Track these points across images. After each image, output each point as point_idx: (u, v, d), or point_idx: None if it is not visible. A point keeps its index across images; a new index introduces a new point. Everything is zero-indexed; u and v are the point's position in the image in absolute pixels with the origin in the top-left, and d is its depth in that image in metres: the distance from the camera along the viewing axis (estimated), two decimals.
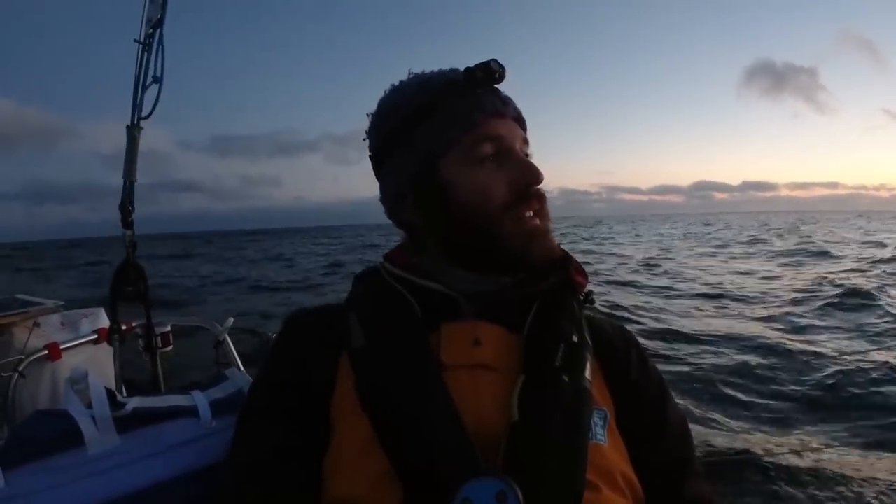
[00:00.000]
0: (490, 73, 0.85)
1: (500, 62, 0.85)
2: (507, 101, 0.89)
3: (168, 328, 2.00)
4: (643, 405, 0.88)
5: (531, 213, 0.84)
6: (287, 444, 0.78)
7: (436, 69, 0.92)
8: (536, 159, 0.87)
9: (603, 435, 0.77)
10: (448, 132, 0.84)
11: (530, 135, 0.91)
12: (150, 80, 1.57)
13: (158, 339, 1.94)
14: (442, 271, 0.86)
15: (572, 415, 0.74)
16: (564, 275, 0.87)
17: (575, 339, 0.81)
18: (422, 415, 0.71)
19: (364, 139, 0.94)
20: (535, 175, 0.84)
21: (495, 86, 0.88)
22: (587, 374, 0.79)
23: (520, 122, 0.90)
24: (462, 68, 0.87)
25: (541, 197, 0.86)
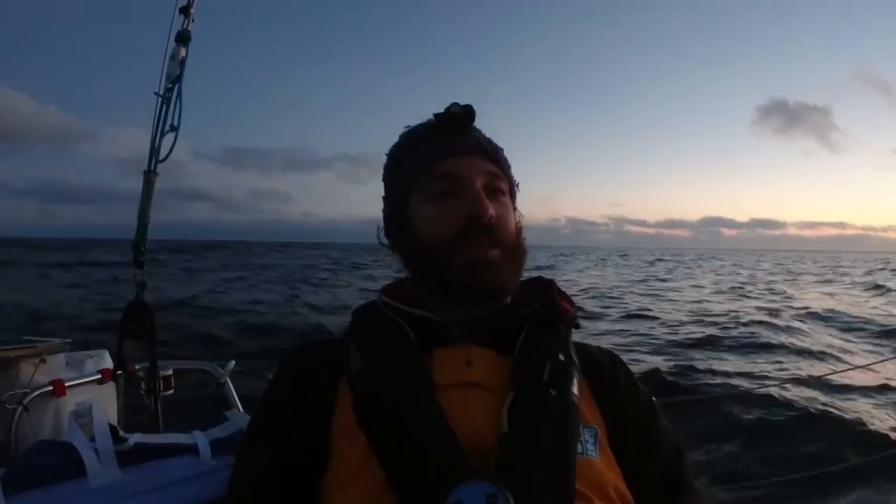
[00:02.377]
0: (450, 118, 0.94)
1: (463, 104, 0.94)
2: (467, 139, 0.94)
3: (170, 371, 2.04)
4: (634, 422, 0.91)
5: (484, 245, 0.88)
6: (288, 464, 0.82)
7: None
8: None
9: (594, 451, 0.81)
10: (411, 173, 0.94)
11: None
12: (167, 128, 1.68)
13: (161, 381, 1.99)
14: (433, 299, 0.92)
15: (560, 426, 0.78)
16: (549, 300, 0.93)
17: (561, 357, 0.86)
18: (415, 428, 0.75)
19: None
20: (478, 208, 0.87)
21: (463, 126, 0.95)
22: (574, 389, 0.83)
23: (488, 156, 0.95)
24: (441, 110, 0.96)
25: (491, 229, 0.88)
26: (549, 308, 0.93)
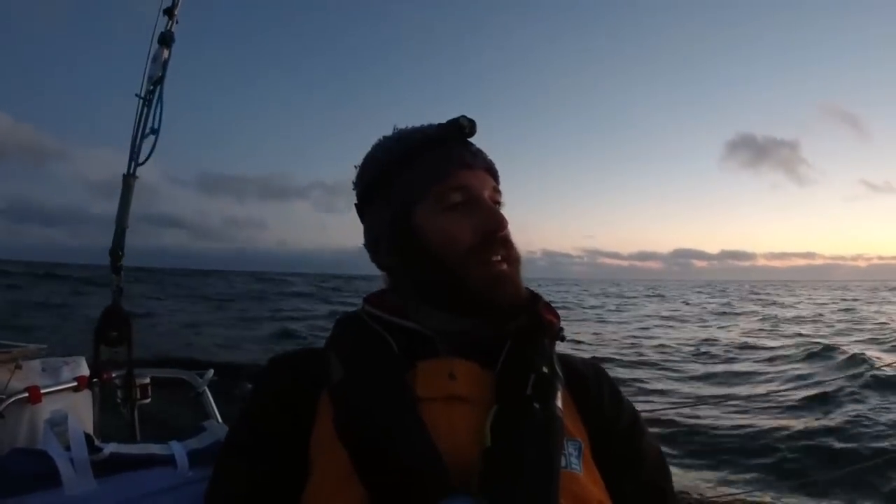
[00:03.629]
0: (460, 128, 0.95)
1: (469, 118, 0.96)
2: (476, 154, 0.97)
3: (147, 380, 2.03)
4: (617, 436, 0.92)
5: (498, 258, 0.90)
6: (266, 479, 0.83)
7: (419, 124, 1.02)
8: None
9: (578, 465, 0.81)
10: (420, 182, 0.94)
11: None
12: (147, 131, 1.69)
13: (138, 390, 1.98)
14: (418, 311, 0.92)
15: (544, 439, 0.78)
16: (534, 314, 0.93)
17: (545, 370, 0.86)
18: (397, 442, 0.74)
19: (353, 189, 1.04)
20: (498, 221, 0.90)
21: (467, 139, 0.97)
22: (558, 402, 0.83)
23: (490, 172, 0.98)
24: (438, 123, 0.97)
25: (506, 242, 0.91)
26: (534, 321, 0.93)
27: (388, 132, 1.02)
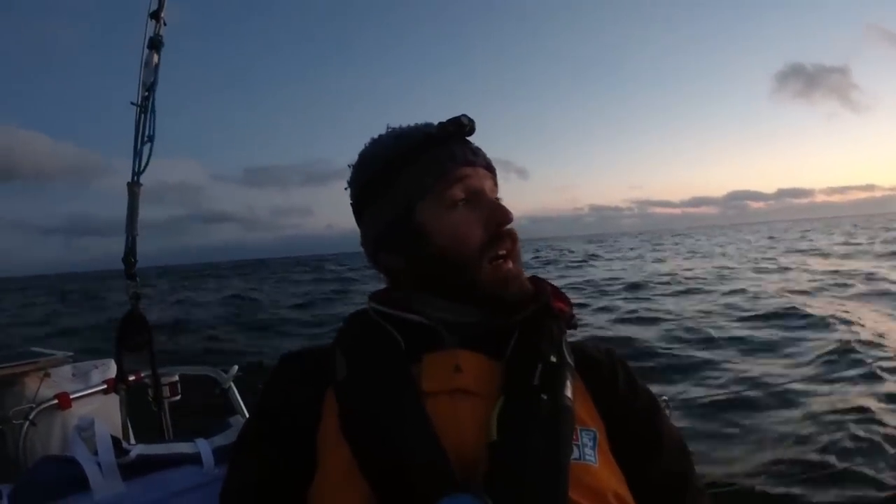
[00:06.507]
0: (461, 126, 0.98)
1: (469, 117, 0.98)
2: (476, 152, 1.00)
3: (176, 378, 2.14)
4: (635, 422, 0.92)
5: (504, 252, 0.93)
6: (274, 474, 0.87)
7: (416, 122, 1.04)
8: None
9: (593, 455, 0.81)
10: (422, 180, 0.96)
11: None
12: (146, 138, 1.75)
13: (167, 388, 2.08)
14: (422, 303, 0.93)
15: (552, 431, 0.78)
16: (543, 303, 0.95)
17: (553, 358, 0.86)
18: (400, 439, 0.76)
19: (346, 188, 1.07)
20: (504, 215, 0.94)
21: (466, 138, 1.00)
22: (567, 391, 0.84)
23: (490, 169, 1.01)
24: (438, 122, 1.00)
25: (512, 236, 0.95)
26: (543, 309, 0.94)
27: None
